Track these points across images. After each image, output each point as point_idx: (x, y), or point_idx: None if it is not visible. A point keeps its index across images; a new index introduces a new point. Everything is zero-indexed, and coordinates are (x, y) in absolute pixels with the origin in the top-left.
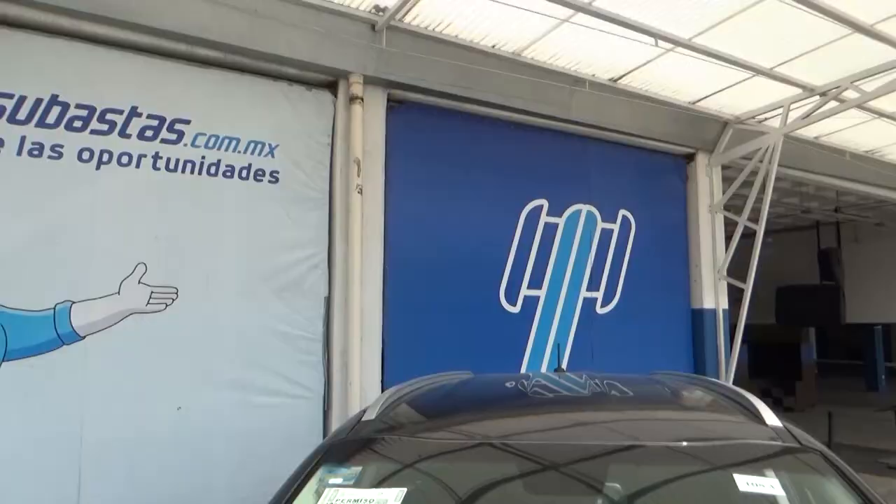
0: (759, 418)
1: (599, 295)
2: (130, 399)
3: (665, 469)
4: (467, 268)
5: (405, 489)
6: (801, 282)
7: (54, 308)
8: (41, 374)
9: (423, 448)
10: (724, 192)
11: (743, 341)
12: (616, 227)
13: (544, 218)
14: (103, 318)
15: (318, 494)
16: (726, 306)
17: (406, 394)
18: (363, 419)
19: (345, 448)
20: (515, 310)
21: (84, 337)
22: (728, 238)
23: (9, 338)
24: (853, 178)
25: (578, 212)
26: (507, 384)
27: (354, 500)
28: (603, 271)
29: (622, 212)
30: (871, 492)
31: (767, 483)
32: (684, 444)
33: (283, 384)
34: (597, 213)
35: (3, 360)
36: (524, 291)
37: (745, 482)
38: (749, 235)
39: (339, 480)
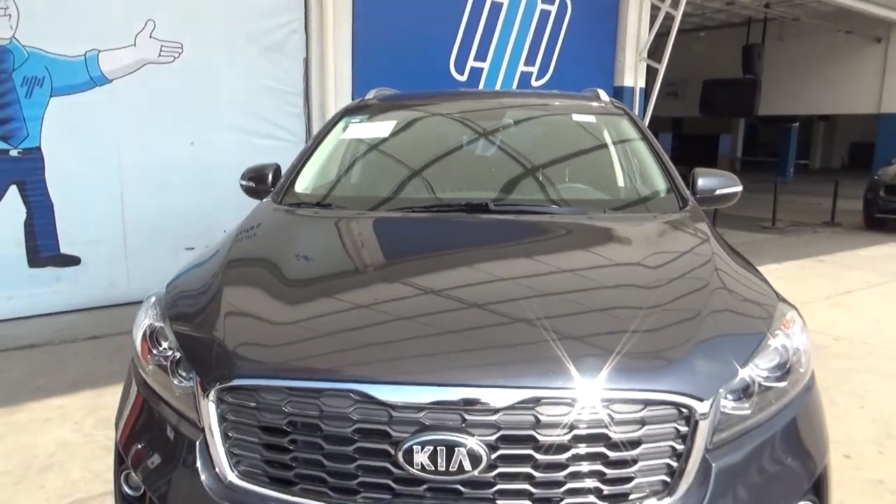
0: (600, 97)
1: (535, 69)
2: (153, 132)
3: (538, 116)
4: (422, 40)
5: (396, 122)
6: (727, 77)
7: (85, 55)
8: (82, 109)
9: (406, 111)
10: None
11: (671, 131)
12: (554, 9)
13: None
14: (124, 65)
15: (345, 128)
16: (643, 86)
17: (387, 93)
18: (366, 98)
19: (358, 108)
20: (463, 78)
21: (112, 81)
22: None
23: (53, 78)
24: None
25: None
26: (454, 91)
27: (368, 127)
28: (539, 48)
29: None
30: (653, 137)
31: (589, 118)
32: (556, 102)
33: (274, 129)
34: None
35: (51, 96)
36: (470, 63)
37: (577, 117)
38: (681, 31)
39: (357, 120)
